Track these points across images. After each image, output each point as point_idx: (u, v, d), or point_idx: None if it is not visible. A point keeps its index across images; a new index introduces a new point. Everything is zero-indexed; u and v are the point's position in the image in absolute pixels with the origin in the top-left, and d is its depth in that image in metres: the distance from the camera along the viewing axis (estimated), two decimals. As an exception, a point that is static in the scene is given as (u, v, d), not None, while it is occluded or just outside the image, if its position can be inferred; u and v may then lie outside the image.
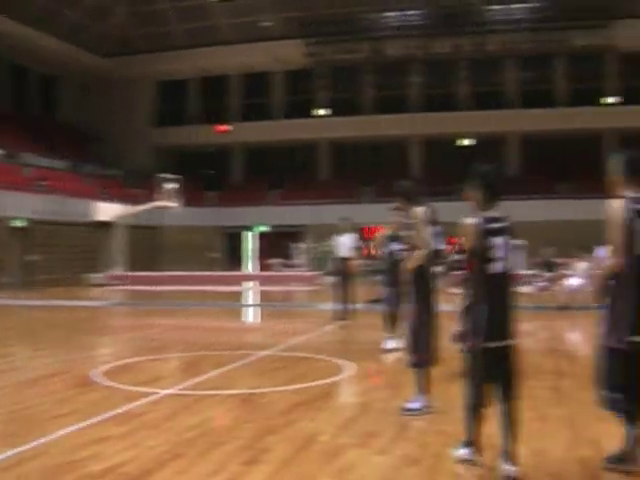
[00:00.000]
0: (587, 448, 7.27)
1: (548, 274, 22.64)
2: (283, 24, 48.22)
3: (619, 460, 6.54)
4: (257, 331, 19.99)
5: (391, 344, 13.21)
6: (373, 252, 10.22)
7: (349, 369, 11.74)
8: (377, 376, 12.03)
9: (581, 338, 17.64)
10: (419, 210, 8.68)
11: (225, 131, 52.04)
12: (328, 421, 8.46)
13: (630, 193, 6.61)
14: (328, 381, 10.86)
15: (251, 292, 28.35)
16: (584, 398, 9.47)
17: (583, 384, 10.42)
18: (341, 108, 51.18)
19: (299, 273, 29.22)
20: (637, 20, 44.08)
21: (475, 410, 6.58)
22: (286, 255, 44.82)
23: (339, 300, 18.89)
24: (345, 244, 18.80)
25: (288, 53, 47.65)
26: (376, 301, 23.01)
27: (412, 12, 47.16)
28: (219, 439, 7.65)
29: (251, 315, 24.00)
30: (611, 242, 6.46)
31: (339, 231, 19.15)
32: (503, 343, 6.39)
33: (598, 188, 37.70)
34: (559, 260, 26.81)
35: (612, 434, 7.71)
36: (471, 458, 6.68)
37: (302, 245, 43.23)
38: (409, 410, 8.62)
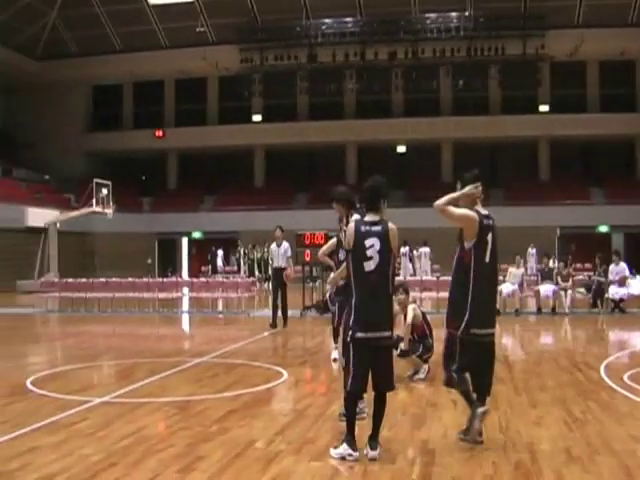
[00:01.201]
0: (521, 451, 7.35)
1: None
2: (218, 30, 48.02)
3: (465, 433, 7.72)
4: (192, 338, 19.85)
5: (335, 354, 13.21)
6: (320, 259, 10.12)
7: (285, 376, 11.73)
8: (313, 382, 12.03)
9: (515, 343, 17.85)
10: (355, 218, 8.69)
11: (160, 137, 51.63)
12: (264, 428, 8.45)
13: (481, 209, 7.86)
14: (264, 388, 10.85)
15: (186, 299, 28.11)
16: (518, 403, 9.63)
17: (518, 389, 10.58)
18: (276, 114, 51.15)
19: (234, 280, 29.08)
20: (569, 30, 44.85)
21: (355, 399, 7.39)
22: (221, 262, 44.73)
23: (274, 307, 19.05)
24: (280, 253, 19.02)
25: (223, 59, 47.40)
26: (311, 307, 23.15)
27: (348, 19, 47.30)
28: (154, 447, 7.59)
29: (186, 322, 23.84)
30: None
31: (275, 239, 19.31)
32: (376, 334, 7.15)
33: (528, 195, 38.53)
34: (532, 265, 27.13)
35: (544, 437, 7.86)
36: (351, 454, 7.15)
37: (238, 251, 43.08)
38: (345, 416, 8.62)
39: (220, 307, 26.45)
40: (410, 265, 37.84)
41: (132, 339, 18.41)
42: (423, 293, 25.41)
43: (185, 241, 51.14)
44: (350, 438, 7.18)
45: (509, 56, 45.70)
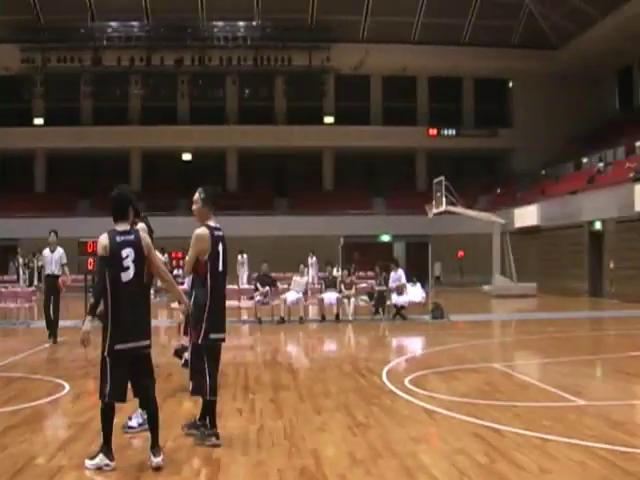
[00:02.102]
0: (306, 457, 7.38)
1: (266, 288, 23.02)
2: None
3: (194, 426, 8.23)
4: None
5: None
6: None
7: (66, 388, 11.35)
8: (95, 394, 11.68)
9: (299, 351, 18.05)
10: (140, 226, 8.50)
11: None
12: (45, 443, 8.14)
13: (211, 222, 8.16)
14: (44, 401, 10.44)
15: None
16: (303, 409, 9.69)
17: (302, 396, 10.65)
18: (58, 118, 49.58)
19: (13, 289, 27.92)
20: (354, 44, 46.11)
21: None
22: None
23: (48, 318, 17.94)
24: (54, 259, 17.90)
25: (3, 58, 45.56)
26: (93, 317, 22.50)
27: (135, 23, 46.65)
28: None
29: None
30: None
31: (48, 245, 18.19)
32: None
33: (313, 204, 39.04)
34: (276, 275, 27.35)
35: (329, 443, 7.95)
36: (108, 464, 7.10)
37: (18, 260, 41.42)
38: (130, 428, 8.45)
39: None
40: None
41: None
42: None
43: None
44: (107, 448, 7.11)
45: (295, 67, 46.49)
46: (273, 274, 25.11)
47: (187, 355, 11.20)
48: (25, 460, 7.41)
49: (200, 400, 8.24)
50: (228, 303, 24.21)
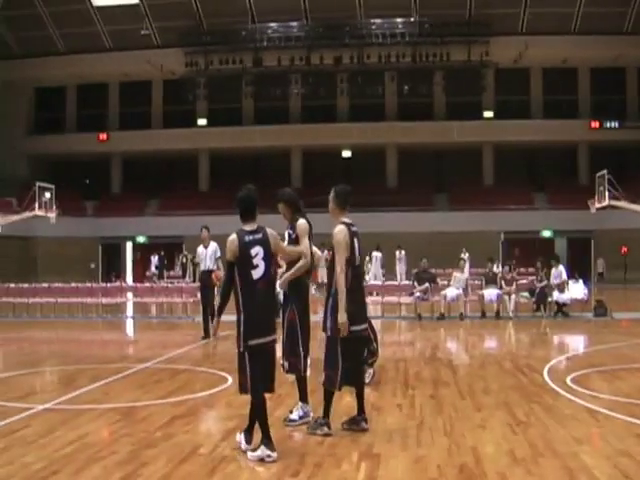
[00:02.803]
0: (465, 455, 7.37)
1: (426, 285, 22.98)
2: (163, 33, 47.67)
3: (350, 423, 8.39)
4: (136, 344, 19.62)
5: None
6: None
7: (229, 381, 11.65)
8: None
9: (459, 347, 17.96)
10: (303, 221, 8.68)
11: (104, 140, 51.13)
12: (208, 433, 8.40)
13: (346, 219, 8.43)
14: (208, 393, 10.75)
15: (130, 304, 27.82)
16: (462, 406, 9.66)
17: (462, 393, 10.61)
18: (221, 118, 50.86)
19: (179, 285, 28.84)
20: (513, 37, 45.41)
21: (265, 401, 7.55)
22: (165, 266, 44.23)
23: (205, 315, 18.03)
24: (208, 254, 17.88)
25: (168, 62, 47.09)
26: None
27: (293, 23, 47.30)
28: (97, 454, 7.49)
29: (130, 327, 23.61)
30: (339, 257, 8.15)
31: (201, 241, 18.21)
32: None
33: (473, 200, 38.75)
34: (436, 271, 27.29)
35: (488, 440, 7.90)
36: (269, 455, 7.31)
37: (183, 256, 42.59)
38: (291, 421, 8.61)
39: (165, 312, 26.18)
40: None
41: (75, 345, 18.19)
42: (367, 298, 25.40)
43: (129, 245, 50.69)
44: (267, 440, 7.31)
45: (454, 62, 46.09)
46: (433, 270, 25.07)
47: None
48: (190, 449, 7.67)
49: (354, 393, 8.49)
50: (387, 299, 24.38)
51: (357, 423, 8.37)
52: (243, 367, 7.44)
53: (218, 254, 17.96)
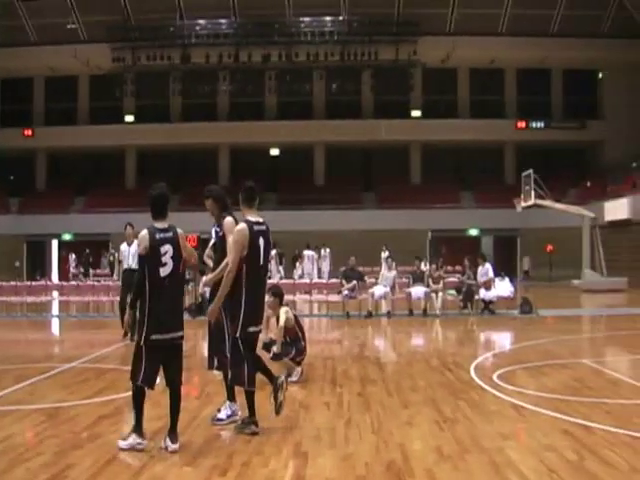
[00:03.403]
0: (393, 452, 7.42)
1: (354, 282, 23.09)
2: (90, 27, 47.05)
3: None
4: (61, 343, 19.37)
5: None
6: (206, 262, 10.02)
7: (157, 380, 11.55)
8: (185, 386, 11.88)
9: (386, 345, 18.08)
10: (230, 219, 8.65)
11: (29, 135, 50.28)
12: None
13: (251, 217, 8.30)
14: (136, 392, 10.64)
15: (55, 302, 27.44)
16: (390, 404, 9.72)
17: (389, 390, 10.69)
18: (148, 115, 50.47)
19: (106, 283, 28.52)
20: (441, 37, 45.81)
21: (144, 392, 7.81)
22: (91, 264, 43.67)
23: (122, 313, 16.94)
24: (131, 252, 17.01)
25: (94, 57, 46.50)
26: (183, 310, 22.91)
27: (222, 20, 47.10)
28: (22, 456, 7.39)
29: (56, 326, 23.30)
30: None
31: (125, 238, 17.68)
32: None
33: (401, 198, 39.05)
34: (363, 269, 27.40)
35: (416, 437, 7.98)
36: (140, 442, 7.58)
37: (110, 254, 42.12)
38: (219, 420, 8.60)
39: (92, 310, 25.88)
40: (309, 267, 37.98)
41: (-1, 344, 17.90)
42: (296, 295, 25.42)
43: (55, 243, 49.99)
44: (138, 429, 7.60)
45: (382, 61, 46.36)
46: (360, 268, 25.19)
47: (275, 349, 11.39)
48: (117, 449, 7.60)
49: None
50: (316, 297, 24.42)
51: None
52: (139, 358, 7.65)
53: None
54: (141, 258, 7.74)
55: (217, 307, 8.27)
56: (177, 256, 7.67)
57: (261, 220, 8.37)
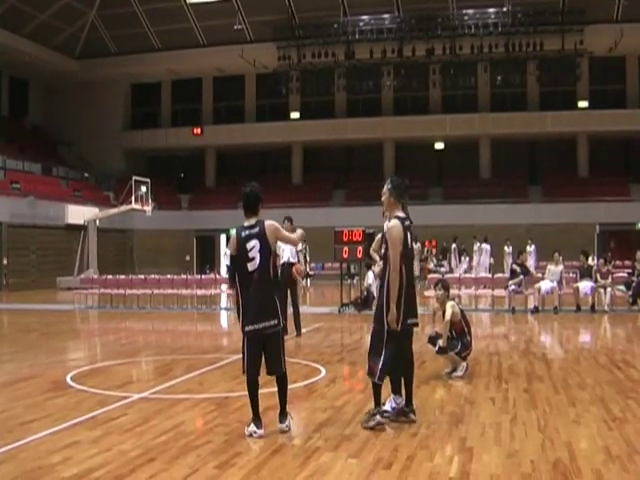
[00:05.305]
0: (559, 450, 7.29)
1: (520, 277, 22.76)
2: (255, 27, 48.00)
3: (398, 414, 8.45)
4: (230, 335, 19.82)
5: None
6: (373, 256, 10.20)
7: (322, 372, 11.74)
8: (350, 379, 12.01)
9: (553, 341, 17.74)
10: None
11: (198, 134, 51.81)
12: (302, 424, 8.46)
13: (400, 214, 8.33)
14: (302, 384, 10.85)
15: (224, 295, 28.16)
16: (556, 401, 9.55)
17: (556, 387, 10.50)
18: (313, 111, 51.20)
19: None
20: (608, 25, 44.43)
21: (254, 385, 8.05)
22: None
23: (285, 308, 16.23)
24: (289, 246, 16.35)
25: (260, 56, 47.40)
26: (349, 304, 23.14)
27: (385, 15, 47.12)
28: (192, 443, 7.63)
29: (224, 319, 23.91)
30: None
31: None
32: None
33: (567, 191, 38.07)
34: (531, 263, 26.97)
35: (583, 436, 7.80)
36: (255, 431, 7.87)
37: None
38: (385, 412, 8.63)
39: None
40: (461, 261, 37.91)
41: (171, 336, 18.53)
42: (462, 290, 25.21)
43: (223, 238, 51.21)
44: (254, 417, 7.97)
45: (547, 52, 45.27)
46: (529, 263, 24.81)
47: (441, 342, 11.37)
48: (283, 440, 7.77)
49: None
50: (482, 292, 24.27)
51: (405, 415, 8.45)
52: (243, 349, 8.07)
53: (300, 247, 17.82)
54: (231, 257, 8.22)
55: (396, 312, 8.15)
56: (265, 250, 7.95)
57: (405, 216, 8.43)
